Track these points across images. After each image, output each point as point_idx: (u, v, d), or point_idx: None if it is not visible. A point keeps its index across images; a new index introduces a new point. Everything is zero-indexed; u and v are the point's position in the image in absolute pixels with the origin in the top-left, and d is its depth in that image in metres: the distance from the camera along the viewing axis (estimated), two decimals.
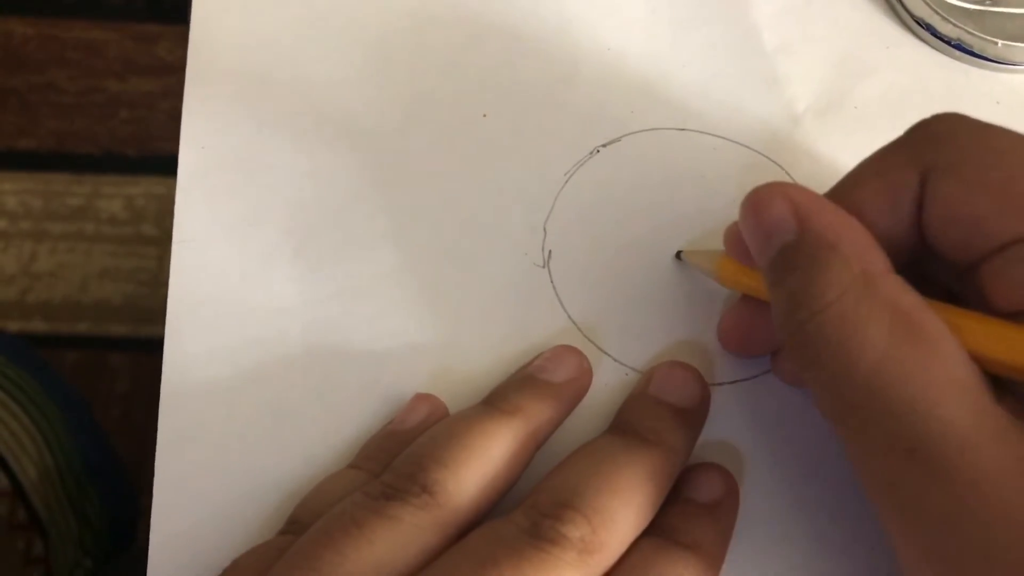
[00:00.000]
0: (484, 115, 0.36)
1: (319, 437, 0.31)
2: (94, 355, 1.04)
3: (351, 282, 0.34)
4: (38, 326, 1.04)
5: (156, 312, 1.01)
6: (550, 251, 0.34)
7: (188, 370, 0.32)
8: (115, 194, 1.08)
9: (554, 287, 0.34)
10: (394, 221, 0.35)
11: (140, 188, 1.07)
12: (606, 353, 0.33)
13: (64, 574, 0.59)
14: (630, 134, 0.36)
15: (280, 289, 0.33)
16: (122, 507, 0.64)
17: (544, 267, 0.34)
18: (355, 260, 0.34)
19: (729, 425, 0.32)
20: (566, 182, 0.35)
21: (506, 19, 0.38)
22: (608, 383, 0.32)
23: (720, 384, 0.32)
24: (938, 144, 0.23)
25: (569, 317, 0.33)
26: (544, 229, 0.35)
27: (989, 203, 0.22)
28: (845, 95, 0.37)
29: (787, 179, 0.36)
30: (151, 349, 1.01)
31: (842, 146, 0.36)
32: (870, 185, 0.26)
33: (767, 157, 0.36)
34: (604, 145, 0.36)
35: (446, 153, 0.36)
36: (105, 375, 1.02)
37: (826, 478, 0.31)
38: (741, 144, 0.36)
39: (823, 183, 0.35)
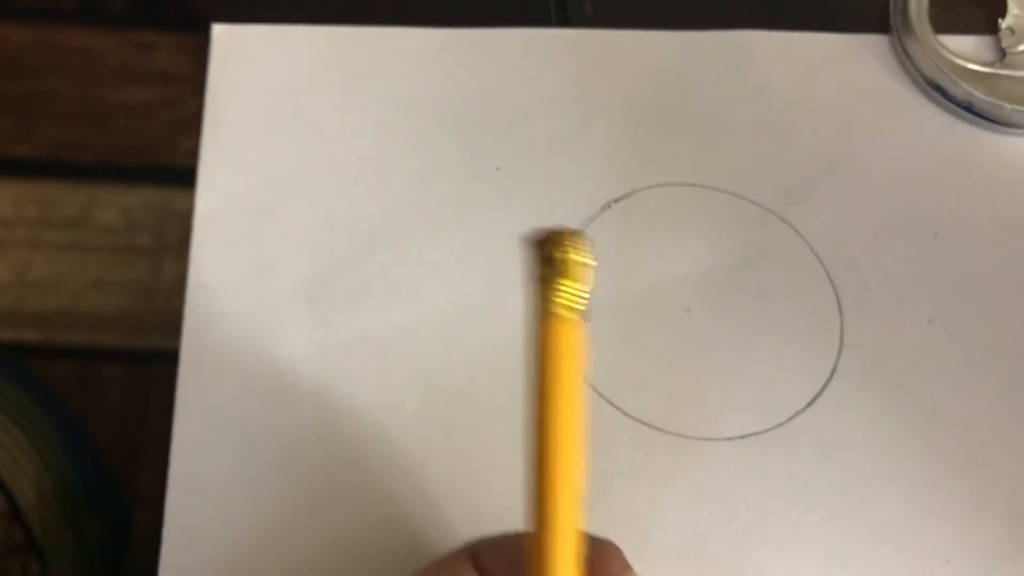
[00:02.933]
0: (497, 168, 0.37)
1: (327, 486, 0.32)
2: (86, 366, 1.04)
3: (364, 333, 0.34)
4: (31, 336, 1.04)
5: (149, 324, 1.01)
6: None
7: (199, 415, 0.33)
8: (111, 204, 1.08)
9: None
10: (407, 272, 0.35)
11: (136, 198, 1.07)
12: (618, 408, 0.33)
13: None
14: (641, 189, 0.37)
15: (293, 337, 0.34)
16: (118, 529, 0.64)
17: None
18: (368, 311, 0.34)
19: (738, 479, 0.32)
20: None
21: (520, 72, 0.39)
22: (620, 438, 0.33)
23: (730, 439, 0.33)
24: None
25: None
26: None
27: None
28: (855, 156, 0.38)
29: (797, 237, 0.36)
30: (144, 361, 1.01)
31: (850, 207, 0.37)
32: None
33: (777, 215, 0.36)
34: (615, 200, 0.36)
35: (459, 204, 0.36)
36: (97, 386, 1.02)
37: (837, 530, 0.31)
38: (751, 201, 0.37)
39: (832, 242, 0.36)
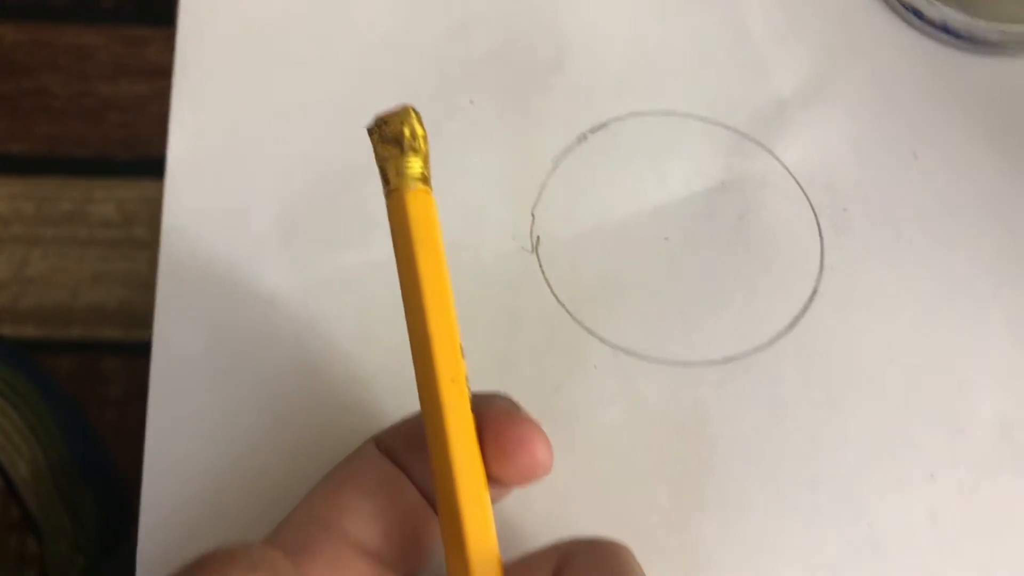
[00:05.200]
0: (471, 102, 0.37)
1: (307, 424, 0.31)
2: (87, 360, 1.04)
3: (341, 270, 0.34)
4: (30, 331, 1.04)
5: (149, 316, 1.01)
6: (539, 236, 0.34)
7: (177, 357, 0.32)
8: (107, 198, 1.08)
9: (543, 271, 0.34)
10: (383, 209, 0.35)
11: (132, 191, 1.07)
12: (595, 335, 0.33)
13: (58, 572, 0.59)
14: (617, 119, 0.36)
15: (269, 277, 0.34)
16: (115, 506, 0.64)
17: (533, 252, 0.34)
18: (345, 248, 0.34)
19: (720, 402, 0.32)
20: (554, 168, 0.36)
21: (493, 5, 0.38)
22: (597, 365, 0.32)
23: (711, 363, 0.32)
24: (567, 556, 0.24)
25: (558, 300, 0.33)
26: (532, 215, 0.35)
27: None
28: (832, 81, 0.37)
29: (775, 163, 0.36)
30: (144, 353, 1.01)
31: (828, 131, 0.36)
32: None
33: (754, 141, 0.36)
34: (592, 131, 0.36)
35: (433, 140, 0.35)
36: (99, 379, 1.02)
37: (822, 448, 0.31)
38: (729, 128, 0.36)
39: (810, 166, 0.36)
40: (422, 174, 0.24)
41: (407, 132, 0.24)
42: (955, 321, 0.33)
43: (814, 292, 0.34)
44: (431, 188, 0.25)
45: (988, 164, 0.36)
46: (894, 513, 0.30)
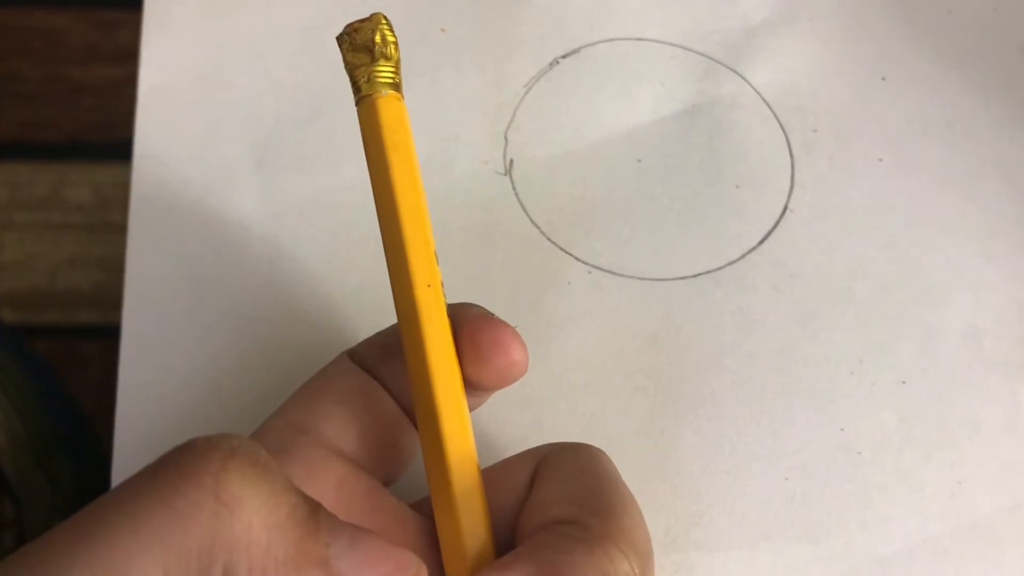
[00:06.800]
0: (442, 30, 0.37)
1: (280, 345, 0.31)
2: (65, 344, 1.03)
3: (312, 194, 0.34)
4: (7, 316, 1.04)
5: None
6: (512, 159, 0.35)
7: (150, 283, 0.32)
8: (82, 182, 1.08)
9: (516, 193, 0.34)
10: (355, 135, 0.34)
11: (107, 175, 1.07)
12: (569, 254, 0.33)
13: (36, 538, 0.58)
14: (589, 45, 0.37)
15: (241, 202, 0.34)
16: (95, 473, 0.64)
17: (506, 175, 0.34)
18: (316, 173, 0.34)
19: (691, 316, 0.32)
20: (526, 93, 0.36)
21: None
22: (571, 282, 0.32)
23: (683, 278, 0.33)
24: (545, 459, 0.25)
25: (532, 221, 0.33)
26: (505, 138, 0.35)
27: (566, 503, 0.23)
28: (800, 7, 0.38)
29: (745, 86, 0.36)
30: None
31: (797, 55, 0.37)
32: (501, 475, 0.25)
33: (725, 66, 0.36)
34: (563, 56, 0.36)
35: (406, 68, 0.36)
36: (77, 363, 1.02)
37: (792, 358, 0.31)
38: (699, 53, 0.37)
39: (781, 91, 0.36)
40: (393, 80, 0.24)
41: (378, 39, 0.24)
42: (924, 237, 0.34)
43: (785, 209, 0.34)
44: (402, 95, 0.25)
45: (955, 86, 0.36)
46: (866, 418, 0.30)
